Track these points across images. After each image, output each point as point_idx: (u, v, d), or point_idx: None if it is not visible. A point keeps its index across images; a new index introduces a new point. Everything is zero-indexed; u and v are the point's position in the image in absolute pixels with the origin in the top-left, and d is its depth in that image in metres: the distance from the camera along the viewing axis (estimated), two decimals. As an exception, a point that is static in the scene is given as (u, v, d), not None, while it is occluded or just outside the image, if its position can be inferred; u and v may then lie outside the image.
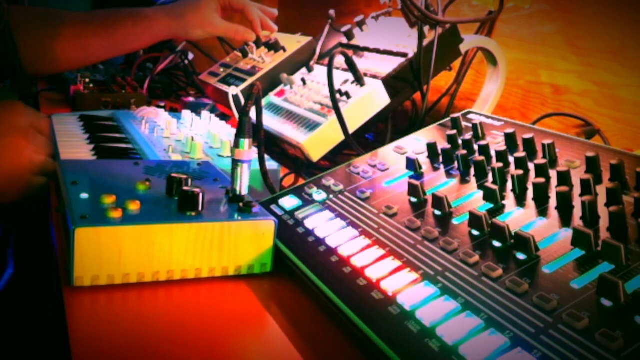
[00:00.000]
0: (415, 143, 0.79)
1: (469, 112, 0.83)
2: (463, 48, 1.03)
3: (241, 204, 0.63)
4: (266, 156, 0.81)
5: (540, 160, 0.63)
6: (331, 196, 0.71)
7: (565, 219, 0.56)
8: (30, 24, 1.12)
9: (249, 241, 0.61)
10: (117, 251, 0.56)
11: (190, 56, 1.64)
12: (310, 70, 1.14)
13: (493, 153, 0.69)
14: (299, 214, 0.68)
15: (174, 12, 1.20)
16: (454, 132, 0.75)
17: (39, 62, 1.15)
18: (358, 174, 0.75)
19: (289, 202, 0.71)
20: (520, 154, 0.66)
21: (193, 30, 1.21)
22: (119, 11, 1.19)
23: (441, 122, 0.84)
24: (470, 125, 0.78)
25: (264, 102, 1.11)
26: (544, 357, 0.41)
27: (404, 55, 0.99)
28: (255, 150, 0.71)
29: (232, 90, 1.14)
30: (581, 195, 0.57)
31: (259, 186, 0.79)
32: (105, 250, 0.55)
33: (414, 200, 0.65)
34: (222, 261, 0.60)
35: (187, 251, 0.58)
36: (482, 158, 0.67)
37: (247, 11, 1.27)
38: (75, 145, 0.93)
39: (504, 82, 1.07)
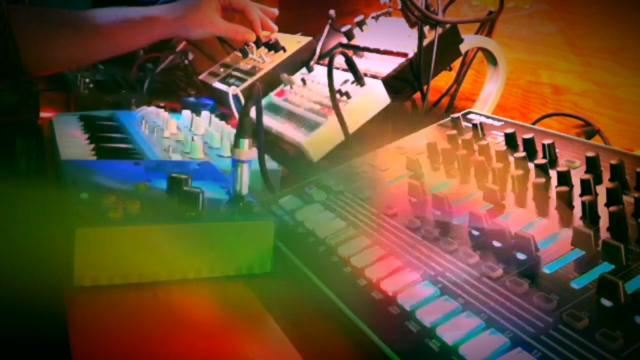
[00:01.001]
0: (415, 143, 0.79)
1: (469, 112, 0.83)
2: (463, 48, 1.03)
3: (241, 204, 0.63)
4: (266, 156, 0.81)
5: (540, 160, 0.63)
6: (331, 196, 0.70)
7: (565, 219, 0.56)
8: (30, 24, 1.12)
9: (249, 241, 0.61)
10: (117, 251, 0.56)
11: (190, 56, 1.63)
12: (310, 70, 1.13)
13: (493, 153, 0.69)
14: (299, 214, 0.67)
15: (175, 11, 1.20)
16: (454, 132, 0.75)
17: (39, 61, 1.15)
18: (358, 174, 0.75)
19: (289, 202, 0.71)
20: (520, 154, 0.66)
21: (193, 30, 1.21)
22: (119, 10, 1.19)
23: (441, 122, 0.84)
24: (470, 125, 0.78)
25: (264, 102, 1.11)
26: (544, 357, 0.41)
27: (404, 55, 0.99)
28: (255, 150, 0.71)
29: (232, 90, 1.14)
30: (581, 195, 0.57)
31: (259, 186, 0.79)
32: (105, 250, 0.55)
33: (414, 200, 0.65)
34: (222, 261, 0.60)
35: (187, 251, 0.58)
36: (482, 158, 0.67)
37: (248, 11, 1.27)
38: (75, 145, 0.93)
39: (504, 82, 1.07)
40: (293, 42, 1.27)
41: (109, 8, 1.19)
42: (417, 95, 1.03)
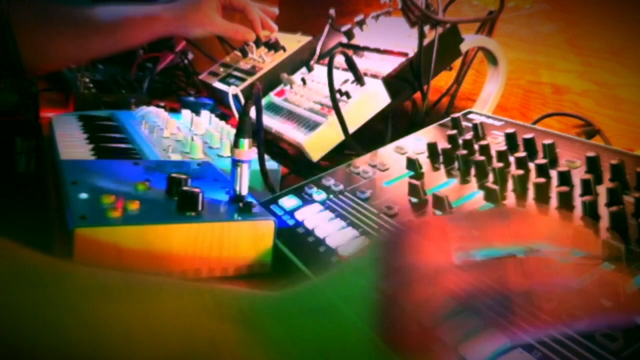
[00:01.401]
0: (415, 143, 0.79)
1: (469, 112, 0.83)
2: (463, 48, 1.02)
3: (241, 204, 0.63)
4: (266, 156, 0.81)
5: (540, 160, 0.63)
6: (331, 196, 0.70)
7: (566, 219, 0.55)
8: (30, 21, 1.12)
9: (249, 241, 0.61)
10: (116, 251, 0.55)
11: (190, 56, 1.63)
12: (310, 70, 1.13)
13: (493, 153, 0.69)
14: (299, 214, 0.67)
15: (175, 10, 1.20)
16: (454, 132, 0.75)
17: (38, 59, 1.15)
18: (358, 174, 0.75)
19: (289, 202, 0.71)
20: (521, 154, 0.65)
21: (193, 29, 1.21)
22: (119, 8, 1.19)
23: (441, 122, 0.84)
24: (470, 125, 0.78)
25: (264, 102, 1.11)
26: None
27: (404, 55, 0.99)
28: (255, 150, 0.71)
29: (232, 90, 1.14)
30: (581, 195, 0.57)
31: (259, 186, 0.79)
32: (105, 250, 0.55)
33: (414, 200, 0.65)
34: (222, 261, 0.60)
35: (186, 251, 0.58)
36: (482, 158, 0.67)
37: (248, 11, 1.27)
38: (75, 145, 0.93)
39: (504, 82, 1.07)
40: (293, 42, 1.27)
41: (109, 5, 1.19)
42: (417, 95, 1.03)
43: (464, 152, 0.69)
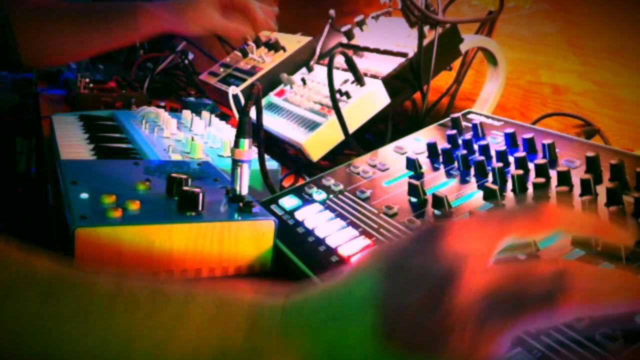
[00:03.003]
0: (415, 143, 0.79)
1: (469, 112, 0.83)
2: (463, 48, 1.03)
3: (241, 204, 0.63)
4: (266, 156, 0.81)
5: (540, 160, 0.63)
6: (331, 196, 0.71)
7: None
8: (29, 18, 1.12)
9: (249, 241, 0.61)
10: (117, 251, 0.56)
11: (190, 56, 1.63)
12: (310, 70, 1.13)
13: (493, 153, 0.69)
14: (299, 214, 0.68)
15: (174, 8, 1.21)
16: (454, 132, 0.75)
17: (38, 55, 1.15)
18: (358, 173, 0.75)
19: (289, 202, 0.71)
20: (521, 153, 0.65)
21: (192, 27, 1.22)
22: (119, 5, 1.19)
23: (441, 122, 0.84)
24: (470, 125, 0.78)
25: (264, 102, 1.11)
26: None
27: (404, 55, 0.99)
28: (255, 150, 0.71)
29: (232, 90, 1.14)
30: (581, 195, 0.57)
31: (259, 186, 0.79)
32: (105, 250, 0.55)
33: (414, 200, 0.65)
34: (222, 261, 0.60)
35: (187, 251, 0.58)
36: (482, 158, 0.67)
37: (248, 10, 1.27)
38: (75, 145, 0.93)
39: (504, 82, 1.07)
40: (293, 42, 1.27)
41: (108, 2, 1.20)
42: (417, 95, 1.03)
43: (464, 152, 0.69)
